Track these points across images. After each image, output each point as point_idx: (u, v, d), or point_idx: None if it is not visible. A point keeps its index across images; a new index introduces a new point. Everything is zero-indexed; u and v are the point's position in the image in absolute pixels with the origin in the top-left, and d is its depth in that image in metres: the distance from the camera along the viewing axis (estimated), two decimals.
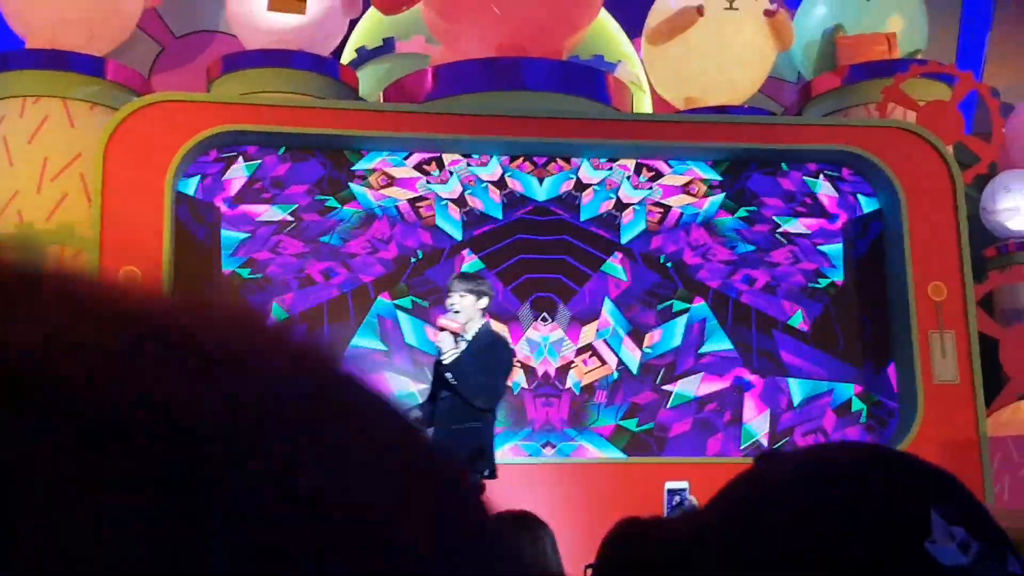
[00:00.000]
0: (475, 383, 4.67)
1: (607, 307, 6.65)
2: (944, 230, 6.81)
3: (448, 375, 4.70)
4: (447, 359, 4.68)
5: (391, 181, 6.63)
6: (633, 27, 8.52)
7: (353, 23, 8.24)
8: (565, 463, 6.32)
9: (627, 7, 8.60)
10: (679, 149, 6.89)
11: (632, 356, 6.61)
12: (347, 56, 8.37)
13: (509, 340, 4.95)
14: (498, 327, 5.57)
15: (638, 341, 6.64)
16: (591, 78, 7.36)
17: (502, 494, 5.73)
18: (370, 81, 8.11)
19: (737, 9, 7.94)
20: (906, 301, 6.67)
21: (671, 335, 6.67)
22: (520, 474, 6.09)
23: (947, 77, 8.08)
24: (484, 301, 4.85)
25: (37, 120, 6.93)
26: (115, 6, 7.35)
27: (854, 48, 8.34)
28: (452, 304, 4.79)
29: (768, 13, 7.98)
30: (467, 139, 6.66)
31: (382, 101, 7.41)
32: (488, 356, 4.75)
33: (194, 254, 6.30)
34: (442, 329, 4.73)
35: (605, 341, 6.60)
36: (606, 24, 8.48)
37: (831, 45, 8.58)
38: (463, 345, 4.73)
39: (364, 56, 8.41)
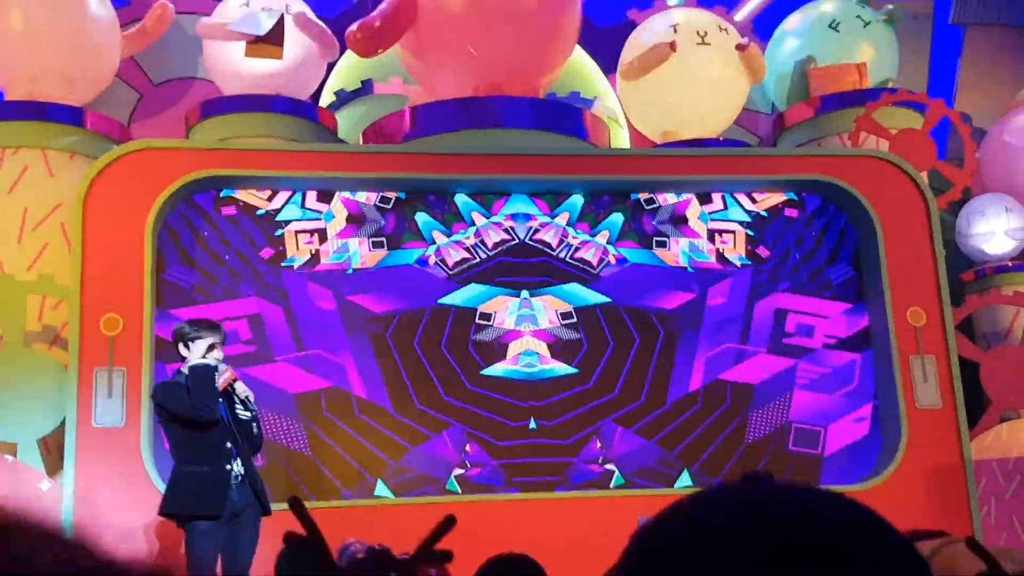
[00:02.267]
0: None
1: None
2: (921, 256, 6.87)
3: (253, 425, 4.87)
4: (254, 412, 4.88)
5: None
6: (609, 63, 8.62)
7: (331, 66, 8.30)
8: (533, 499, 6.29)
9: (602, 44, 8.71)
10: (657, 183, 6.95)
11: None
12: (325, 99, 8.42)
13: None
14: None
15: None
16: (568, 115, 7.43)
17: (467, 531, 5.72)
18: (348, 123, 8.16)
19: (709, 44, 8.06)
20: (886, 327, 6.72)
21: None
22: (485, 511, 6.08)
23: (918, 105, 8.19)
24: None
25: (17, 171, 6.95)
26: (94, 56, 7.39)
27: (825, 79, 8.46)
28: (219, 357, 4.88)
29: (740, 47, 8.10)
30: (446, 178, 6.70)
31: (361, 143, 7.45)
32: None
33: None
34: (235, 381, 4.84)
35: None
36: (582, 61, 8.57)
37: (803, 76, 8.70)
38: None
39: (343, 99, 8.47)
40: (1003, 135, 8.77)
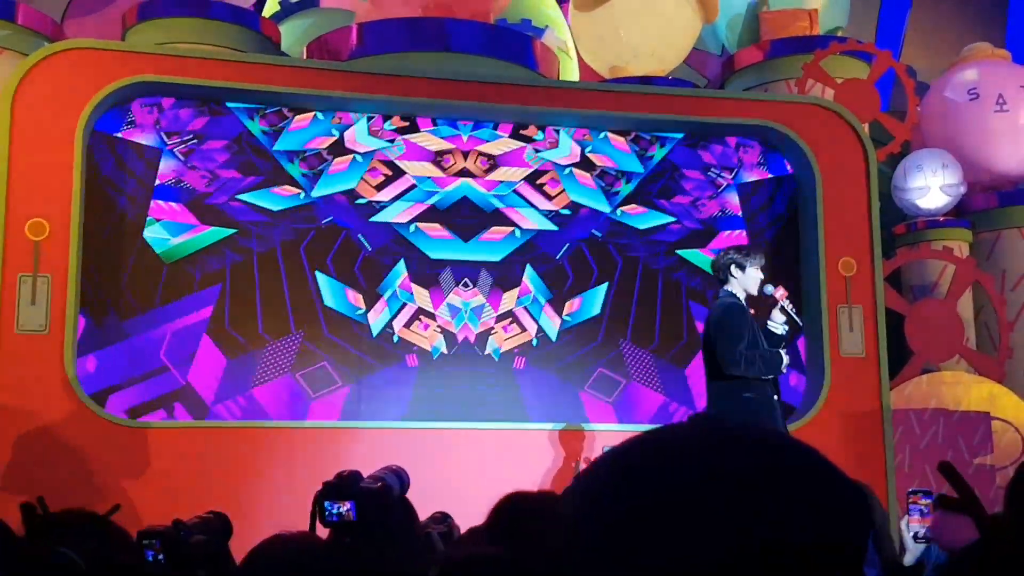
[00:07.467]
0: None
1: (528, 274, 6.65)
2: (857, 207, 6.95)
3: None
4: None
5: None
6: None
7: None
8: (489, 429, 6.33)
9: None
10: (602, 118, 6.90)
11: (551, 323, 6.64)
12: (269, 9, 8.19)
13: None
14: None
15: (558, 309, 6.67)
16: (517, 43, 7.32)
17: (431, 460, 5.76)
18: (292, 35, 7.96)
19: None
20: (817, 275, 6.81)
21: (591, 304, 6.72)
22: (437, 439, 6.11)
23: (866, 55, 8.22)
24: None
25: None
26: None
27: (777, 23, 8.45)
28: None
29: None
30: (390, 100, 6.57)
31: (304, 57, 7.27)
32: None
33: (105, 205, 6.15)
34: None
35: (526, 308, 6.62)
36: None
37: (755, 19, 8.68)
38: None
39: (288, 9, 8.24)
40: (944, 91, 8.85)
